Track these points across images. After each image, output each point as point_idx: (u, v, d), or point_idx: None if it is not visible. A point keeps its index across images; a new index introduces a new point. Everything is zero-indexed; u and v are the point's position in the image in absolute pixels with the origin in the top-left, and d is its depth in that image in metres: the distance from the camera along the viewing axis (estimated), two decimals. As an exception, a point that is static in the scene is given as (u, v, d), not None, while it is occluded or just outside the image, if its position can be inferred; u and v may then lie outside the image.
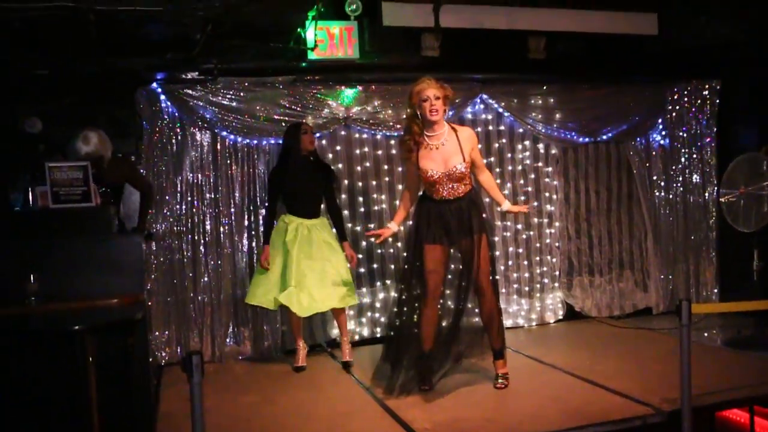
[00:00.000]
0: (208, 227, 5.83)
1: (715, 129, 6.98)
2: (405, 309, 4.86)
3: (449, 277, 4.89)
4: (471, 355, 5.00)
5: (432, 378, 4.78)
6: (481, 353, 4.98)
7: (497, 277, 5.03)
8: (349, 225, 6.15)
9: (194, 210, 5.80)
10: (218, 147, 5.86)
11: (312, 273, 5.26)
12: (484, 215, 4.73)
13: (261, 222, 5.83)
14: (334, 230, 5.57)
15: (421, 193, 4.83)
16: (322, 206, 5.57)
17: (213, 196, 5.85)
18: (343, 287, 5.36)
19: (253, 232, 5.94)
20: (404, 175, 4.83)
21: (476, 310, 4.87)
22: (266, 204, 5.62)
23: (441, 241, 4.65)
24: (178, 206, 5.75)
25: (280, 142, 5.93)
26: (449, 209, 4.64)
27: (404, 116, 4.87)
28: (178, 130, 5.74)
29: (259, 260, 5.48)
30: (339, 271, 5.36)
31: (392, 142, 6.26)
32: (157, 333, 5.66)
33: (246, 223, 5.93)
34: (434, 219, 4.65)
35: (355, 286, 5.69)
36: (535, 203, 6.72)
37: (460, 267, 4.77)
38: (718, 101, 6.95)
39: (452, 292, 4.90)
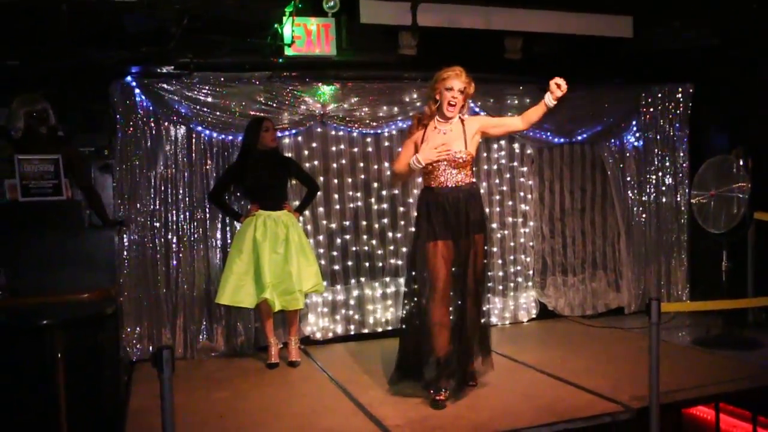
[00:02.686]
0: (181, 223, 5.79)
1: (687, 131, 7.05)
2: (414, 312, 4.63)
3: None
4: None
5: (448, 387, 4.46)
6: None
7: (486, 277, 4.78)
8: (324, 222, 6.15)
9: (168, 205, 5.75)
10: (193, 142, 5.82)
11: (282, 269, 5.31)
12: (481, 215, 4.54)
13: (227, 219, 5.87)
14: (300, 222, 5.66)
15: (420, 189, 4.72)
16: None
17: (187, 191, 5.80)
18: (302, 287, 5.38)
19: (227, 228, 5.90)
20: (398, 156, 4.65)
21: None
22: (211, 191, 5.64)
23: (441, 237, 4.42)
24: (151, 201, 5.70)
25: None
26: (447, 198, 4.44)
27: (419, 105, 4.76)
28: (153, 124, 5.69)
29: (227, 259, 5.45)
30: (302, 270, 5.38)
31: (368, 139, 6.27)
32: (129, 329, 5.60)
33: (220, 219, 5.89)
34: (433, 211, 4.45)
35: (324, 283, 5.74)
36: (510, 202, 6.77)
37: (454, 269, 4.50)
38: (691, 104, 7.01)
39: (453, 296, 4.55)
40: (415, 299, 4.64)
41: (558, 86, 4.39)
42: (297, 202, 5.76)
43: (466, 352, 4.54)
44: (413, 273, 4.65)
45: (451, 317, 4.49)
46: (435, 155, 4.41)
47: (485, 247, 4.57)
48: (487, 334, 4.81)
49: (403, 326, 4.80)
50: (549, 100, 4.45)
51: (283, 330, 5.87)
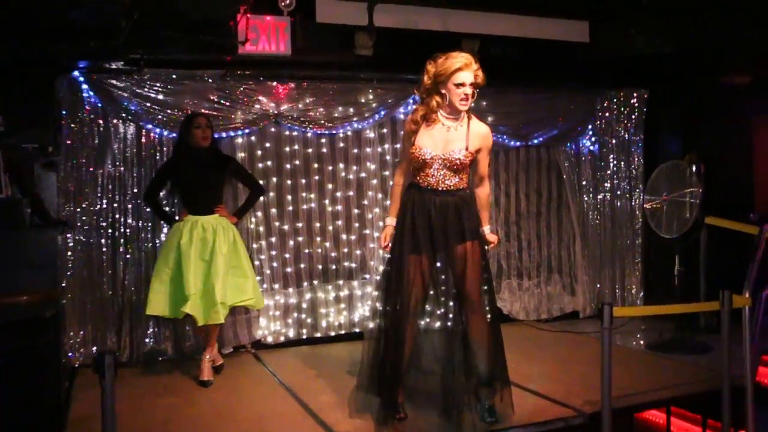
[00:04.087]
0: (129, 223, 5.65)
1: (642, 136, 7.14)
2: (388, 325, 4.19)
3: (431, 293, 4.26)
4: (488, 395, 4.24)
5: (404, 406, 4.21)
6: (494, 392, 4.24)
7: (491, 288, 4.30)
8: (277, 223, 6.09)
9: (115, 205, 5.61)
10: (143, 140, 5.69)
11: (206, 279, 5.00)
12: (476, 221, 4.16)
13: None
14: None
15: (409, 181, 4.28)
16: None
17: (136, 191, 5.66)
18: (226, 299, 5.04)
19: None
20: (400, 155, 4.26)
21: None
22: (145, 190, 5.43)
23: (424, 246, 4.05)
24: (98, 200, 5.56)
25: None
26: (434, 202, 4.06)
27: (421, 82, 4.15)
28: (101, 121, 5.55)
29: (155, 267, 5.18)
30: (228, 281, 5.05)
31: (323, 140, 6.22)
32: (71, 333, 5.45)
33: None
34: (418, 216, 4.07)
35: (276, 285, 5.68)
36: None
37: (442, 278, 4.18)
38: (645, 110, 7.11)
39: (443, 312, 4.23)
40: (390, 313, 4.20)
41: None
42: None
43: (455, 381, 4.11)
44: (388, 282, 4.28)
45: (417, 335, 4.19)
46: (383, 243, 4.23)
47: (482, 255, 4.15)
48: (503, 357, 4.26)
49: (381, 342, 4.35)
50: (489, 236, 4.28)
51: (241, 332, 5.87)
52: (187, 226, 5.10)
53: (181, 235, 5.06)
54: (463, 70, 3.98)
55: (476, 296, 4.10)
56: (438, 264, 4.20)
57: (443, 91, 4.03)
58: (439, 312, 4.23)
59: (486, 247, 4.27)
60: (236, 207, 5.61)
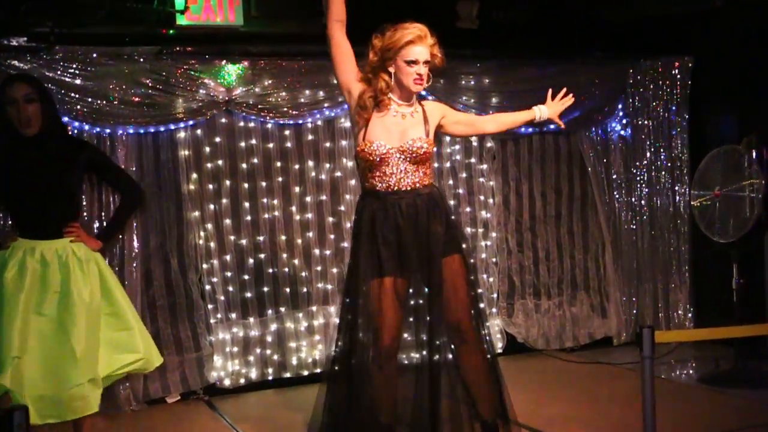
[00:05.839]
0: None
1: (686, 116, 7.10)
2: (358, 373, 4.07)
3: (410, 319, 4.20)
4: None
5: None
6: None
7: (480, 310, 4.28)
8: (232, 238, 5.99)
9: (24, 219, 5.43)
10: (57, 136, 5.55)
11: (51, 346, 3.99)
12: (454, 227, 4.19)
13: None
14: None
15: (360, 193, 4.28)
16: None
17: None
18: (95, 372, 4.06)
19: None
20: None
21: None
22: None
23: (393, 270, 4.01)
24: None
25: (141, 132, 5.70)
26: (400, 207, 4.01)
27: (367, 65, 4.13)
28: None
29: None
30: (96, 343, 4.10)
31: (287, 132, 6.15)
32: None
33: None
34: (380, 229, 4.01)
35: (233, 315, 5.60)
36: (468, 209, 6.65)
37: (421, 302, 4.12)
38: (690, 82, 7.07)
39: (418, 341, 4.15)
40: (350, 336, 4.17)
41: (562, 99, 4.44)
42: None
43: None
44: (347, 301, 4.22)
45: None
46: None
47: (468, 272, 4.15)
48: (502, 392, 4.24)
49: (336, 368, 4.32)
50: (543, 113, 4.38)
51: (191, 376, 5.76)
52: (15, 256, 4.10)
53: (4, 269, 4.05)
54: (416, 44, 4.02)
55: (467, 325, 4.09)
56: (411, 289, 4.14)
57: (391, 69, 4.06)
58: (422, 346, 4.12)
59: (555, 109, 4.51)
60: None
